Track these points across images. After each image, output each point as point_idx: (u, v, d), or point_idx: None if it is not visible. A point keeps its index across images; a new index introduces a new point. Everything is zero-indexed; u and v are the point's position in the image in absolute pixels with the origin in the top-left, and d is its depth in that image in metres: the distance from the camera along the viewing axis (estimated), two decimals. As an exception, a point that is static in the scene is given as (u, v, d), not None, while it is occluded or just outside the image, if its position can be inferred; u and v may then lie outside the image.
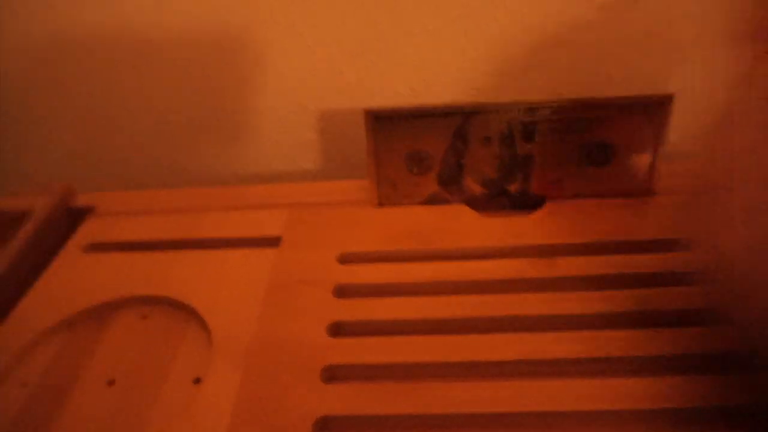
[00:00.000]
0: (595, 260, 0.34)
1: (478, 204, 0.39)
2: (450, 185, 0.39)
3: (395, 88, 0.45)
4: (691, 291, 0.32)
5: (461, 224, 0.38)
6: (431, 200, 0.40)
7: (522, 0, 0.41)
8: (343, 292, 0.34)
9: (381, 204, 0.40)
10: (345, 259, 0.36)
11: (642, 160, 0.38)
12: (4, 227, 0.40)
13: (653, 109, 0.36)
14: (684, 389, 0.27)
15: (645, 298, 0.32)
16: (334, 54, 0.44)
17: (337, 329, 0.32)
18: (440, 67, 0.44)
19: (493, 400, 0.27)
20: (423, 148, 0.38)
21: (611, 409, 0.26)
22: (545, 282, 0.34)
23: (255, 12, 0.42)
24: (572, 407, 0.27)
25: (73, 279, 0.37)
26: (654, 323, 0.30)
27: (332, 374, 0.30)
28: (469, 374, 0.29)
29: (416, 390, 0.28)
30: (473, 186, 0.39)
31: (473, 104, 0.37)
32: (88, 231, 0.41)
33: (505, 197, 0.39)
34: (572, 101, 0.36)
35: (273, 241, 0.38)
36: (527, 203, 0.39)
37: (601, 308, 0.31)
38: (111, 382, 0.31)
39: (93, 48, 0.44)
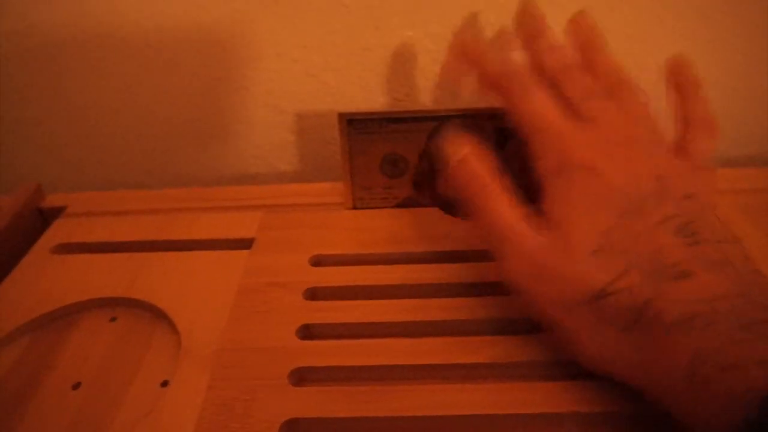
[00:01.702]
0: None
1: (452, 208, 0.40)
2: (424, 189, 0.39)
3: (373, 93, 0.46)
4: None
5: (435, 228, 0.38)
6: (405, 204, 0.40)
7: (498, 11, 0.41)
8: (314, 294, 0.34)
9: (355, 207, 0.40)
10: (317, 262, 0.36)
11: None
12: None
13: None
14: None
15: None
16: (313, 58, 0.44)
17: (307, 332, 0.32)
18: (418, 72, 0.45)
19: (465, 403, 0.27)
20: (397, 152, 0.38)
21: (585, 411, 0.27)
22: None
23: (235, 17, 0.42)
24: (544, 409, 0.27)
25: (40, 280, 0.36)
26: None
27: (301, 377, 0.29)
28: (440, 377, 0.29)
29: (386, 393, 0.28)
30: (447, 190, 0.39)
31: (447, 110, 0.37)
32: (57, 232, 0.40)
33: (479, 201, 0.40)
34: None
35: (246, 243, 0.38)
36: (500, 207, 0.39)
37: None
38: (76, 386, 0.30)
39: (67, 48, 0.44)
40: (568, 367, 0.28)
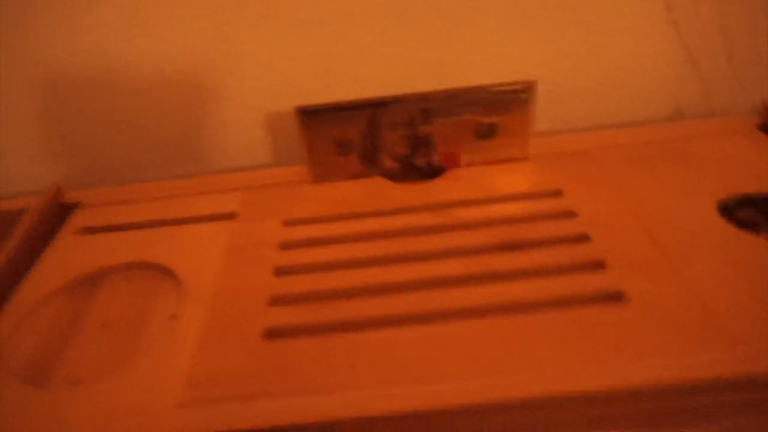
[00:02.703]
0: (483, 209, 0.45)
1: (393, 176, 0.49)
2: (369, 163, 0.49)
3: (334, 91, 0.55)
4: (555, 225, 0.42)
5: (381, 192, 0.48)
6: (356, 176, 0.50)
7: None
8: (287, 246, 0.43)
9: (316, 182, 0.49)
10: (288, 223, 0.46)
11: (519, 134, 0.49)
12: (6, 224, 0.49)
13: (523, 93, 0.47)
14: (538, 288, 0.37)
15: (518, 231, 0.42)
16: (286, 66, 0.53)
17: (281, 271, 0.41)
18: (366, 69, 0.54)
19: (405, 305, 0.37)
20: (345, 135, 0.48)
21: (488, 305, 0.36)
22: (444, 227, 0.43)
23: (218, 31, 0.51)
24: (461, 305, 0.36)
25: (68, 255, 0.45)
26: (519, 247, 0.40)
27: (275, 301, 0.39)
28: (385, 292, 0.38)
29: (342, 306, 0.37)
30: (388, 162, 0.49)
31: (379, 98, 0.47)
32: (77, 220, 0.49)
33: (414, 169, 0.49)
34: (458, 90, 0.47)
35: (230, 216, 0.47)
36: (431, 173, 0.49)
37: (483, 239, 0.41)
38: (104, 325, 0.39)
39: (85, 76, 0.54)
40: (477, 278, 0.38)
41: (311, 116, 0.47)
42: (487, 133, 0.48)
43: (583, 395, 0.31)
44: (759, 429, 0.32)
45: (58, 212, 0.50)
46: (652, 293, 0.36)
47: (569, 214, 0.43)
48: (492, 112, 0.48)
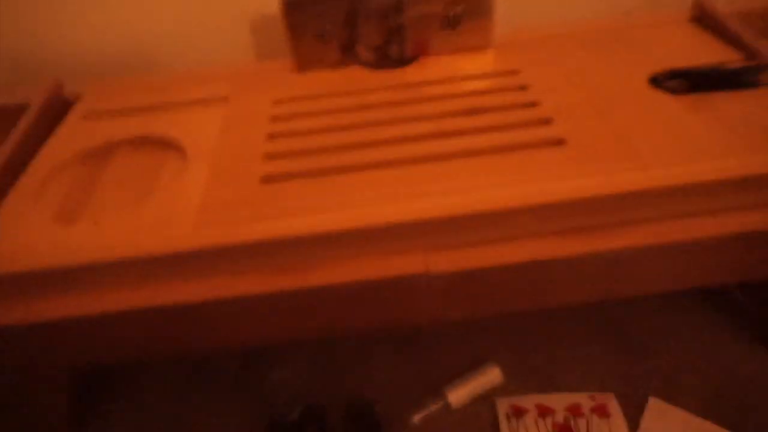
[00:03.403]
0: (449, 86, 0.51)
1: (369, 64, 0.55)
2: (348, 53, 0.54)
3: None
4: (512, 96, 0.49)
5: (358, 77, 0.54)
6: (336, 65, 0.55)
7: None
8: (276, 118, 0.49)
9: (299, 70, 0.55)
10: (277, 101, 0.51)
11: (482, 23, 0.54)
12: (10, 116, 0.53)
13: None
14: (496, 139, 0.43)
15: (480, 101, 0.48)
16: None
17: (273, 136, 0.47)
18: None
19: (386, 154, 0.43)
20: (326, 26, 0.53)
21: (456, 151, 0.43)
22: (416, 99, 0.50)
23: None
24: (433, 152, 0.43)
25: (77, 134, 0.50)
26: (480, 112, 0.47)
27: (270, 156, 0.45)
28: (368, 147, 0.45)
29: (329, 157, 0.44)
30: (365, 53, 0.55)
31: (357, -11, 0.52)
32: (81, 107, 0.54)
33: (388, 58, 0.55)
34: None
35: (223, 99, 0.52)
36: (404, 61, 0.55)
37: (450, 108, 0.48)
38: (119, 183, 0.45)
39: None
40: (442, 135, 0.45)
41: (295, 7, 0.51)
42: (453, 23, 0.54)
43: (530, 207, 0.38)
44: (668, 231, 0.39)
45: (60, 104, 0.54)
46: (587, 138, 0.43)
47: (524, 87, 0.50)
48: (456, 3, 0.53)
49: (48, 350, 0.41)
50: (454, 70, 0.53)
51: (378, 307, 0.40)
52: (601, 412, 0.47)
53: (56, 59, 0.62)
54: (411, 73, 0.54)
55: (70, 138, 0.50)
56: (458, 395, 0.48)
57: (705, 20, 0.56)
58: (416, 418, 0.47)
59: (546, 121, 0.45)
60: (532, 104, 0.47)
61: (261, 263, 0.38)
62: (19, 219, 0.42)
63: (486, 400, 0.49)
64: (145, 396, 0.52)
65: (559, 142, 0.43)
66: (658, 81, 0.49)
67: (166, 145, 0.48)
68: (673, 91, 0.48)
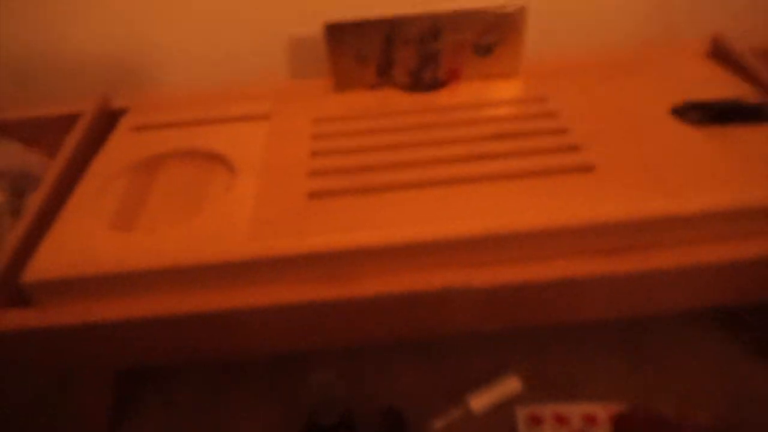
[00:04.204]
0: (480, 111, 0.54)
1: (404, 87, 0.58)
2: (384, 76, 0.57)
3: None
4: (541, 122, 0.51)
5: (393, 99, 0.57)
6: (372, 86, 0.58)
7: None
8: (318, 136, 0.52)
9: (338, 90, 0.58)
10: (317, 119, 0.54)
11: (512, 51, 0.57)
12: (62, 126, 0.55)
13: (515, 15, 0.55)
14: (526, 164, 0.46)
15: (511, 126, 0.51)
16: None
17: (316, 153, 0.50)
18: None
19: (421, 175, 0.46)
20: (364, 49, 0.56)
21: (487, 174, 0.45)
22: (447, 123, 0.52)
23: None
24: (465, 175, 0.45)
25: (126, 147, 0.53)
26: (511, 137, 0.50)
27: (314, 173, 0.47)
28: (405, 167, 0.47)
29: (370, 176, 0.46)
30: (400, 76, 0.58)
31: (395, 16, 0.55)
32: (129, 120, 0.57)
33: (422, 82, 0.58)
34: (463, 11, 0.55)
35: (264, 116, 0.55)
36: (437, 85, 0.58)
37: (482, 132, 0.50)
38: (169, 195, 0.47)
39: None
40: (475, 157, 0.47)
41: (337, 30, 0.54)
42: (485, 50, 0.57)
43: (563, 229, 0.40)
44: (690, 255, 0.42)
45: (108, 117, 0.57)
46: (615, 165, 0.45)
47: (552, 114, 0.52)
48: (491, 32, 0.56)
49: (101, 350, 0.44)
50: (485, 95, 0.56)
51: (418, 318, 0.43)
52: (620, 425, 0.49)
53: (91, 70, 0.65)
54: (444, 97, 0.56)
55: (120, 150, 0.53)
56: (480, 402, 0.51)
57: (722, 55, 0.59)
58: (438, 424, 0.50)
59: (575, 148, 0.48)
60: (561, 131, 0.50)
61: (309, 274, 0.41)
62: (78, 227, 0.44)
63: (505, 408, 0.51)
64: (178, 396, 0.54)
65: (588, 169, 0.45)
66: (679, 112, 0.52)
67: (212, 158, 0.51)
68: (695, 122, 0.50)
